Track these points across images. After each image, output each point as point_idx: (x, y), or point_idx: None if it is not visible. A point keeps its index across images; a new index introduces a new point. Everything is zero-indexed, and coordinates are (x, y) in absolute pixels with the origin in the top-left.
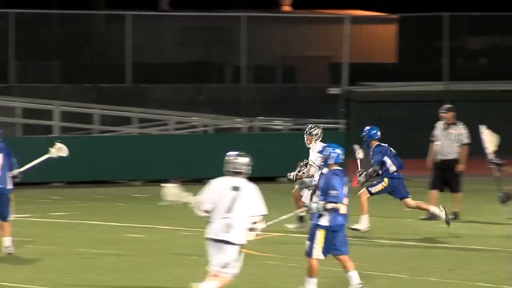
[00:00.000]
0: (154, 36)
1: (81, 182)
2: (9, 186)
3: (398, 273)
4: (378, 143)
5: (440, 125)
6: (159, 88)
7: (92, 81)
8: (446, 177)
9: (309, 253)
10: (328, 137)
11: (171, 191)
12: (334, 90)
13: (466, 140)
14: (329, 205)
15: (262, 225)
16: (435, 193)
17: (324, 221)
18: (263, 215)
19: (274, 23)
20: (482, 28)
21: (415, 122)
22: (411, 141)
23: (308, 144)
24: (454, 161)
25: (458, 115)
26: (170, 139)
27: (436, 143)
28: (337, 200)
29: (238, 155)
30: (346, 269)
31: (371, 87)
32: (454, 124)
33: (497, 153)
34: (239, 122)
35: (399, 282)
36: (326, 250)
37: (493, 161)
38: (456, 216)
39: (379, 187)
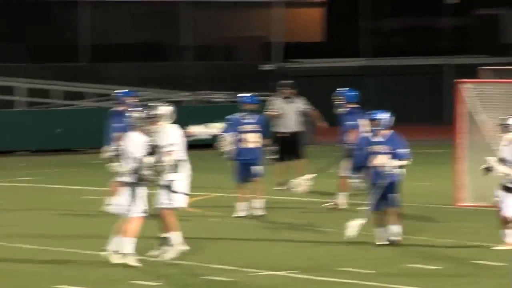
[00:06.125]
0: (108, 21)
1: (45, 151)
2: None
3: None
4: None
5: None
6: (113, 67)
7: (52, 60)
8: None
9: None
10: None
11: None
12: (266, 67)
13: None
14: None
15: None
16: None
17: None
18: None
19: (214, 8)
20: (402, 10)
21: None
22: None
23: None
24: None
25: (377, 88)
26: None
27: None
28: None
29: None
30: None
31: (300, 63)
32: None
33: None
34: (185, 96)
35: None
36: None
37: None
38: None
39: None
